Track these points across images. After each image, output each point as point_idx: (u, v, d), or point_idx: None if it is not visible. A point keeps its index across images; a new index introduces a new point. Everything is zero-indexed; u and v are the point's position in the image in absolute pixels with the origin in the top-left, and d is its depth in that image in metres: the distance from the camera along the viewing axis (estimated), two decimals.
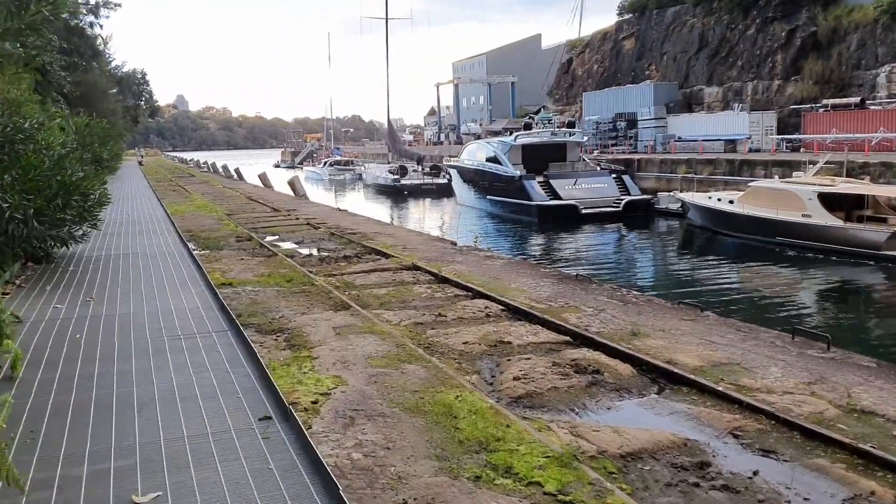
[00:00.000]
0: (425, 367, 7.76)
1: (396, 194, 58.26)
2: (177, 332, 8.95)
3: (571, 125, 44.54)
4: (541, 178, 39.64)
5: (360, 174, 78.13)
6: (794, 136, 43.26)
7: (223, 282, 12.26)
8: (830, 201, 26.25)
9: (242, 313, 10.14)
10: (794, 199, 27.04)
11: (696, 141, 49.13)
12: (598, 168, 42.13)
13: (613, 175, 40.27)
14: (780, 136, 43.57)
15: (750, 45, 50.71)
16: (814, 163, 28.34)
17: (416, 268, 14.59)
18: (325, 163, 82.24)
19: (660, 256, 29.05)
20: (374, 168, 67.52)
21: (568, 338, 9.27)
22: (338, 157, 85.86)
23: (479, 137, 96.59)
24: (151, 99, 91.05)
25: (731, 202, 30.09)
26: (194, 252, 15.33)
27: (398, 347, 8.52)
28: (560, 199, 38.20)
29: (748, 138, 46.29)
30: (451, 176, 51.75)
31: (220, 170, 61.29)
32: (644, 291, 16.78)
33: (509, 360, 8.44)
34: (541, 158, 42.56)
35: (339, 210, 27.02)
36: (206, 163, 72.84)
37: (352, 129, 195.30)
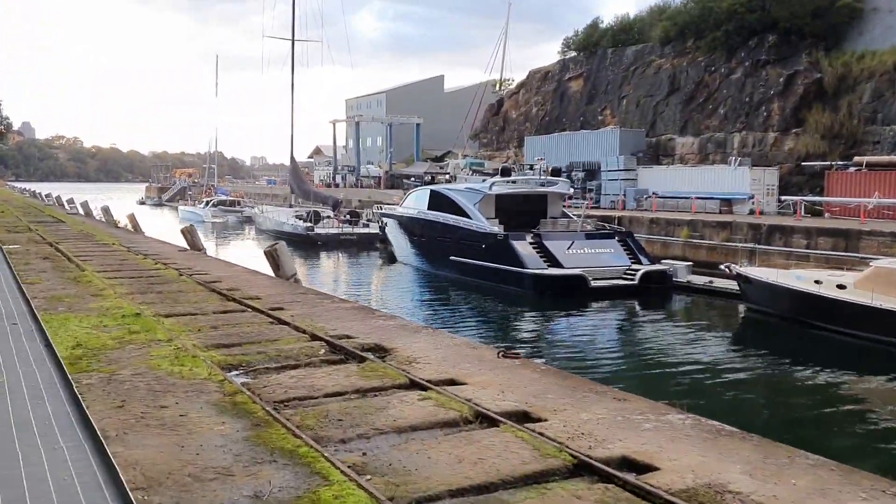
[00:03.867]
0: None
1: (306, 245, 47.45)
2: None
3: (557, 172, 35.67)
4: (530, 238, 30.45)
5: (249, 216, 66.94)
6: (819, 199, 36.20)
7: None
8: None
9: None
10: None
11: (680, 198, 41.48)
12: (590, 227, 33.39)
13: (617, 237, 31.64)
14: (801, 198, 36.38)
15: (736, 90, 43.98)
16: None
17: None
18: (207, 202, 69.84)
19: (734, 357, 20.13)
20: (272, 212, 56.26)
21: None
22: (222, 197, 73.54)
23: (380, 180, 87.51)
24: None
25: (840, 286, 21.70)
26: None
27: None
28: (560, 266, 29.06)
29: (751, 198, 39.06)
30: (385, 227, 41.60)
31: (99, 213, 45.25)
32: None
33: None
34: (518, 212, 33.50)
35: (501, 353, 9.28)
36: (71, 201, 56.80)
37: (214, 166, 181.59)
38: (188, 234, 21.94)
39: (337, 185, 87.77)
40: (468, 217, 32.76)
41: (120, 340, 8.45)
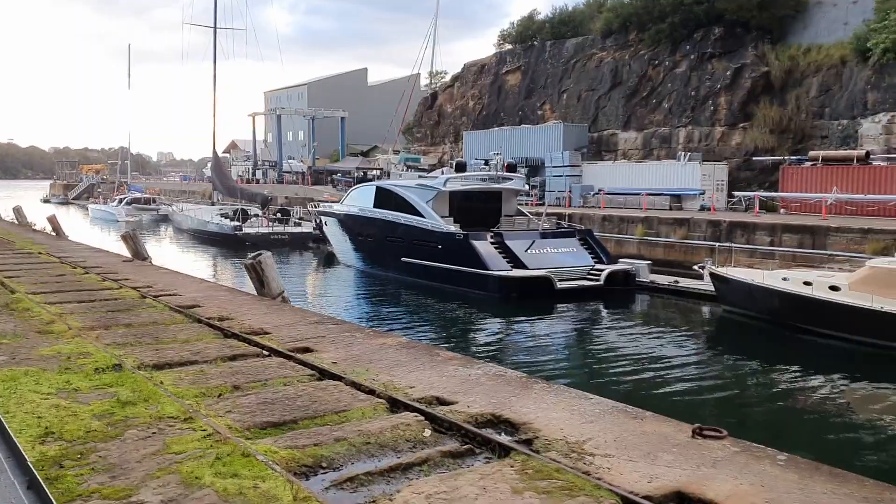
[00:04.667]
0: None
1: (233, 246, 44.31)
2: None
3: (513, 168, 33.91)
4: (491, 238, 28.69)
5: (165, 215, 63.17)
6: (776, 194, 35.57)
7: None
8: None
9: None
10: None
11: (628, 194, 40.44)
12: (547, 225, 31.83)
13: (578, 236, 30.19)
14: (756, 193, 35.67)
15: (682, 84, 43.20)
16: None
17: None
18: (121, 200, 65.35)
19: (734, 366, 18.77)
20: (193, 210, 52.65)
21: None
22: (136, 194, 68.97)
23: (304, 175, 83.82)
24: None
25: (833, 288, 20.61)
26: None
27: None
28: (524, 267, 27.37)
29: (702, 193, 38.27)
30: (324, 226, 38.94)
31: (12, 214, 39.37)
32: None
33: None
34: (472, 210, 31.72)
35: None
36: None
37: (128, 162, 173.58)
38: (130, 240, 18.61)
39: (257, 181, 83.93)
40: (421, 216, 30.66)
41: (110, 421, 5.46)
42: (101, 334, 8.69)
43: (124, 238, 17.90)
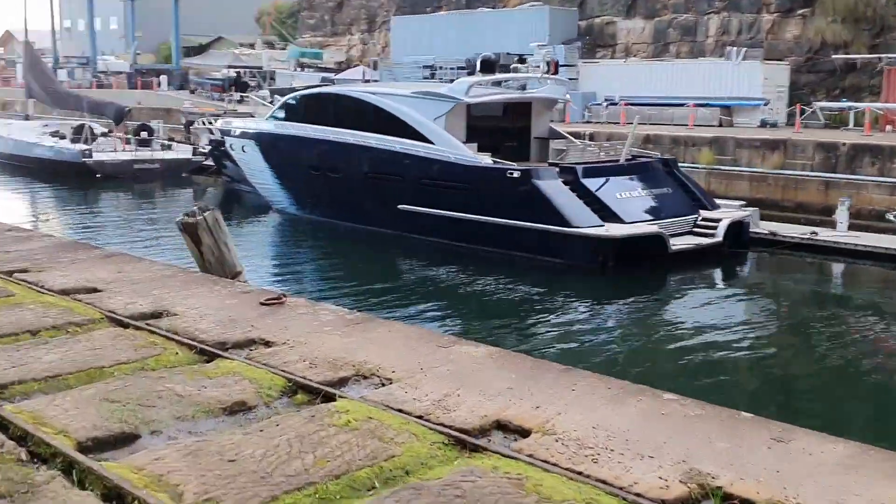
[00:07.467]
0: None
1: (74, 177, 29.95)
2: None
3: (556, 68, 22.43)
4: (562, 176, 17.64)
5: None
6: (882, 105, 25.91)
7: None
8: None
9: None
10: None
11: (657, 105, 29.64)
12: (612, 155, 20.45)
13: (662, 168, 19.49)
14: (868, 105, 25.86)
15: None
16: None
17: None
18: None
19: None
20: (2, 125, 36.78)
21: None
22: None
23: (130, 77, 63.66)
24: None
25: None
26: None
27: None
28: (618, 220, 16.75)
29: (766, 104, 28.14)
30: (236, 152, 24.91)
31: None
32: None
33: None
34: (491, 130, 20.42)
35: None
36: None
37: None
38: (207, 234, 4.99)
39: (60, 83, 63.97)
40: (427, 141, 18.57)
41: None
42: None
43: (189, 229, 4.75)
